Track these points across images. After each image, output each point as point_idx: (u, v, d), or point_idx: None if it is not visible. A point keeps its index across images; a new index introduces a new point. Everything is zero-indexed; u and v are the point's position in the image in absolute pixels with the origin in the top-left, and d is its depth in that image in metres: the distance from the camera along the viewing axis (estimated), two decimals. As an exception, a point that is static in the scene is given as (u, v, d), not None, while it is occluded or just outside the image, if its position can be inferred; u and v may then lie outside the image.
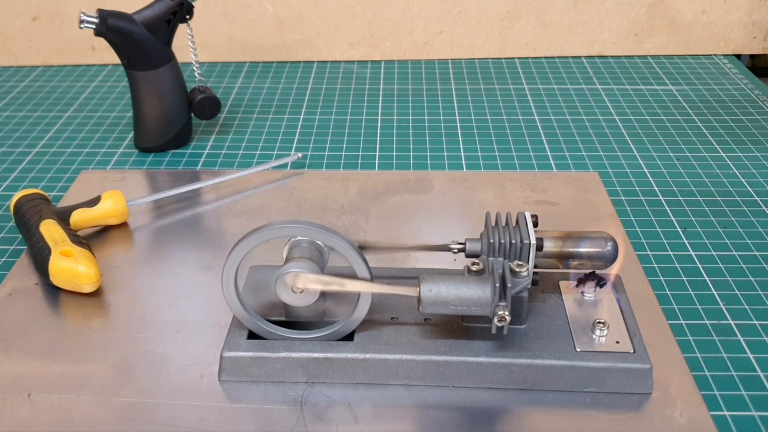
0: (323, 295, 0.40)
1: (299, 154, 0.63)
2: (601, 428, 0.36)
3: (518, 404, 0.38)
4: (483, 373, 0.38)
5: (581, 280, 0.43)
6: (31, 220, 0.49)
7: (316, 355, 0.38)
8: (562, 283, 0.43)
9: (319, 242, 0.40)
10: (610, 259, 0.41)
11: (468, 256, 0.41)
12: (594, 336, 0.40)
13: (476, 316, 0.39)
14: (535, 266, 0.40)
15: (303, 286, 0.38)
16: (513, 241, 0.39)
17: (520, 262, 0.38)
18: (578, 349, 0.39)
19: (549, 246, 0.41)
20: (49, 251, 0.46)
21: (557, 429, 0.36)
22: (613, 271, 0.43)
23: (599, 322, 0.40)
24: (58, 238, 0.47)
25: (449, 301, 0.37)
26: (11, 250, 0.51)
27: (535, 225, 0.40)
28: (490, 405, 0.38)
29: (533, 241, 0.39)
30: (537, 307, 0.41)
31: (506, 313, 0.36)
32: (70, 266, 0.45)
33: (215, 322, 0.43)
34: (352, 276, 0.39)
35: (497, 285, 0.37)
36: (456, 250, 0.41)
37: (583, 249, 0.41)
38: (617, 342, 0.39)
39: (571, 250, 0.41)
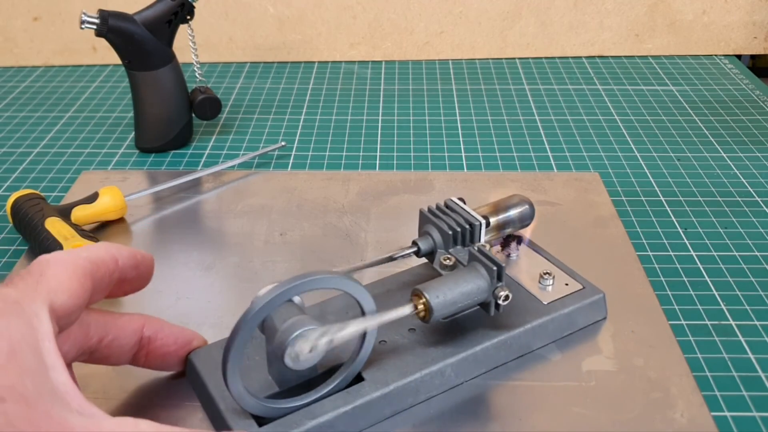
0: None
1: (283, 143, 0.65)
2: (602, 428, 0.36)
3: (519, 405, 0.38)
4: (490, 357, 0.39)
5: (504, 243, 0.46)
6: (35, 218, 0.49)
7: (343, 410, 0.35)
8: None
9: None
10: (532, 216, 0.45)
11: (422, 255, 0.42)
12: (546, 286, 0.43)
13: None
14: None
15: (313, 345, 0.34)
16: (465, 226, 0.41)
17: (483, 244, 0.40)
18: (545, 303, 0.42)
19: (491, 221, 0.43)
20: (60, 247, 0.46)
21: (558, 429, 0.36)
22: (527, 231, 0.46)
23: (545, 273, 0.43)
24: (66, 234, 0.47)
25: (456, 301, 0.37)
26: (12, 251, 0.51)
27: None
28: (491, 406, 0.38)
29: (482, 221, 0.41)
30: None
31: (508, 291, 0.38)
32: None
33: (216, 322, 0.43)
34: (351, 314, 0.38)
35: (494, 268, 0.37)
36: (409, 254, 0.41)
37: (513, 213, 0.44)
38: (566, 285, 0.43)
39: (503, 217, 0.44)
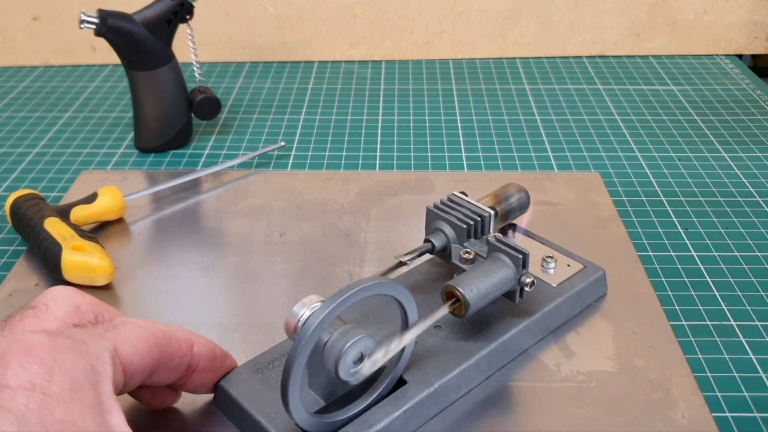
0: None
1: (283, 143, 0.65)
2: (602, 429, 0.36)
3: (520, 405, 0.38)
4: (516, 344, 0.40)
5: (502, 232, 0.47)
6: (34, 219, 0.49)
7: (395, 415, 0.35)
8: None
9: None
10: (528, 203, 0.46)
11: (436, 252, 0.42)
12: (550, 270, 0.44)
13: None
14: None
15: (370, 359, 0.34)
16: (477, 219, 0.41)
17: (496, 234, 0.40)
18: (554, 285, 0.43)
19: (497, 210, 0.44)
20: (59, 247, 0.46)
21: (558, 430, 0.36)
22: (522, 221, 0.48)
23: (548, 257, 0.44)
24: (66, 234, 0.47)
25: (488, 292, 0.37)
26: (11, 251, 0.51)
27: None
28: (492, 407, 0.38)
29: (491, 212, 0.42)
30: None
31: (533, 277, 0.38)
32: (84, 260, 0.45)
33: (216, 323, 0.43)
34: (374, 318, 0.38)
35: (519, 257, 0.38)
36: (423, 253, 0.41)
37: (513, 201, 0.45)
38: (568, 265, 0.45)
39: (505, 206, 0.45)
